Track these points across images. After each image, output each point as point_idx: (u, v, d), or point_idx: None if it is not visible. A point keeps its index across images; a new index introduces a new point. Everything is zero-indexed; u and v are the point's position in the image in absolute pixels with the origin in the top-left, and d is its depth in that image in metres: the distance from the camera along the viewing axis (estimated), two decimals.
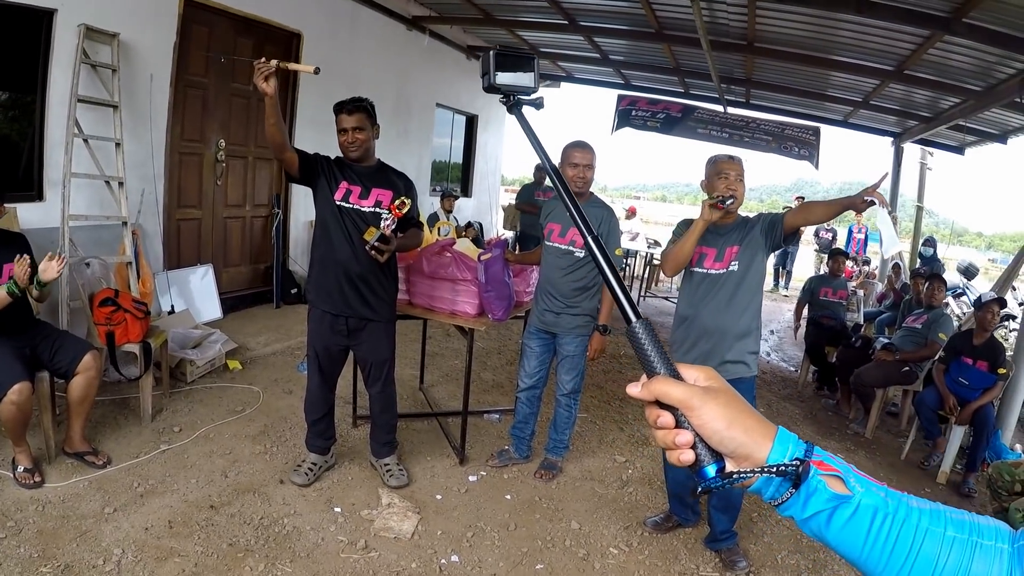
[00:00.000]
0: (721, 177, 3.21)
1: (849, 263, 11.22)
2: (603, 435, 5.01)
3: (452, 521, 3.64)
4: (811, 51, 7.89)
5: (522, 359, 4.25)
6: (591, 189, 4.02)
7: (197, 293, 6.35)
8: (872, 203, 2.83)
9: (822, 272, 10.83)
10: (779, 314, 11.67)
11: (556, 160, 3.88)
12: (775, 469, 0.74)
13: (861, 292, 9.31)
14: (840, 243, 14.45)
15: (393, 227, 3.43)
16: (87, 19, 4.99)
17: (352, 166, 3.62)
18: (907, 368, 5.69)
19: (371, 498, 3.76)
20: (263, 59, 3.09)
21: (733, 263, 3.23)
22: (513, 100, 1.10)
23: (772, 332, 10.04)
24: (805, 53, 7.96)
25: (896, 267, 10.00)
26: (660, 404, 0.79)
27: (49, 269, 3.48)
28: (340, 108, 3.52)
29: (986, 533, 0.72)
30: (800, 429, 5.54)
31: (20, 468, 3.49)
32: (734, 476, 0.75)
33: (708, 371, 0.82)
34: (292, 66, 3.20)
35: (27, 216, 4.83)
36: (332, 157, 3.66)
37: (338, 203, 3.53)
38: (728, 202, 3.10)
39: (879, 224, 2.99)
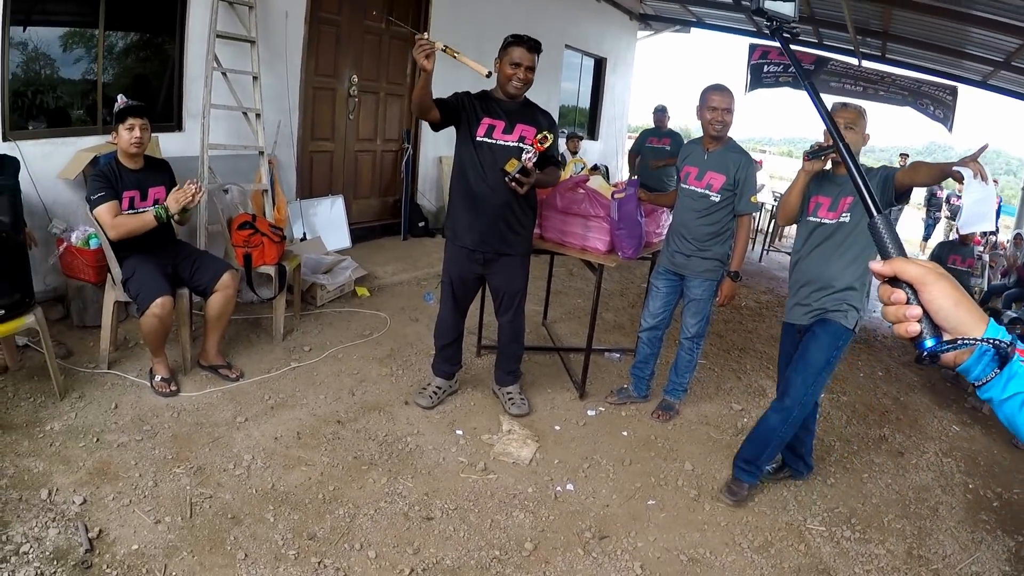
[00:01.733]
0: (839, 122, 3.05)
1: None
2: (721, 383, 4.86)
3: (569, 452, 3.62)
4: (951, 4, 7.31)
5: (647, 299, 4.15)
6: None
7: (328, 222, 6.52)
8: (961, 176, 2.63)
9: (952, 239, 10.16)
10: None
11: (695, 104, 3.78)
12: (992, 341, 0.85)
13: (987, 257, 8.66)
14: None
15: (534, 161, 3.38)
16: None
17: (500, 101, 3.57)
18: None
19: (492, 424, 3.79)
20: (426, 35, 3.10)
21: (845, 214, 3.11)
22: (776, 25, 1.25)
23: None
24: (945, 6, 7.38)
25: (1018, 237, 9.28)
26: (892, 283, 0.89)
27: (186, 197, 3.60)
28: (519, 41, 3.47)
29: None
30: (917, 397, 5.23)
31: (158, 377, 3.68)
32: (957, 342, 0.85)
33: (935, 264, 0.89)
34: (462, 58, 3.17)
35: (168, 145, 5.00)
36: (474, 93, 3.61)
37: (479, 139, 3.49)
38: (827, 151, 3.01)
39: (964, 195, 2.70)
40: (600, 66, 12.46)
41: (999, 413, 0.88)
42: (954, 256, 6.81)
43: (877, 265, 0.90)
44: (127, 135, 3.60)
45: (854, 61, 11.01)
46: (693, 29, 13.63)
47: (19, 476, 2.82)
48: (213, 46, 5.01)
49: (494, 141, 3.47)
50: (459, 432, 3.65)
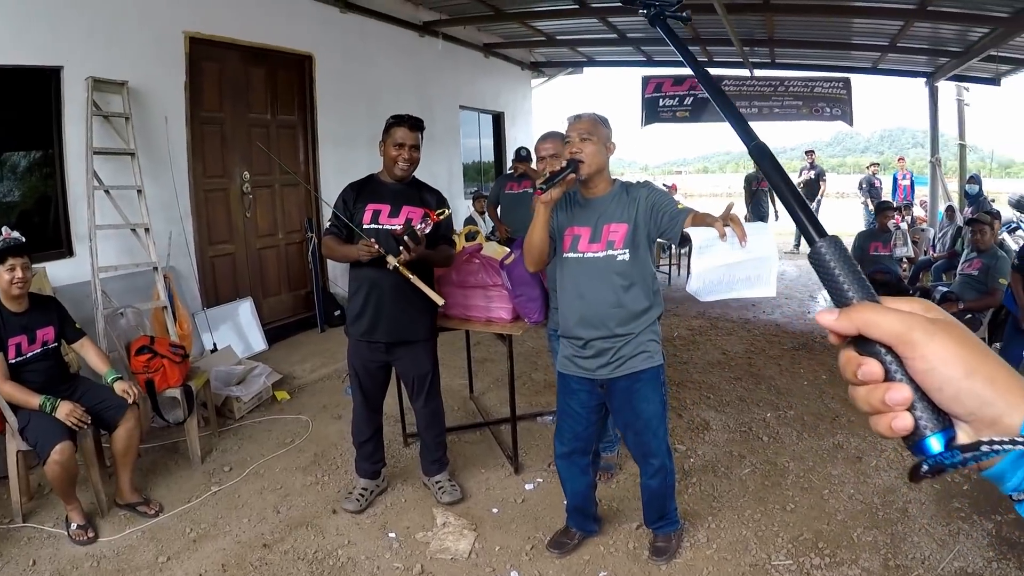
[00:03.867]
0: (566, 144, 2.79)
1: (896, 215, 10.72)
2: None
3: (510, 535, 3.49)
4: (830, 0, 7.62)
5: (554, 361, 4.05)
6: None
7: (240, 327, 6.33)
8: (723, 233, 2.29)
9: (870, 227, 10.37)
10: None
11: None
12: None
13: (904, 225, 8.84)
14: (887, 192, 14.03)
15: (428, 231, 3.30)
16: (94, 71, 5.00)
17: (384, 183, 3.55)
18: (970, 316, 5.38)
19: (426, 519, 3.63)
20: (378, 248, 3.23)
21: (621, 251, 2.74)
22: (655, 11, 1.01)
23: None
24: (824, 4, 7.73)
25: (949, 209, 9.58)
26: (859, 347, 0.58)
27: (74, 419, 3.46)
28: (401, 121, 3.45)
29: None
30: None
31: (73, 525, 3.47)
32: (980, 449, 0.52)
33: (925, 303, 0.58)
34: (416, 281, 3.26)
35: (59, 273, 4.87)
36: (354, 183, 3.59)
37: (367, 227, 3.43)
38: (562, 176, 2.59)
39: (694, 257, 2.39)
40: (499, 121, 12.62)
41: None
42: (875, 244, 6.80)
43: (829, 318, 0.59)
44: (7, 276, 3.44)
45: (746, 73, 11.36)
46: (585, 69, 13.97)
47: None
48: (91, 163, 4.87)
49: (380, 226, 3.43)
50: (392, 535, 3.49)
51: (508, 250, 4.00)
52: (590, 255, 2.79)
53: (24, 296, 3.58)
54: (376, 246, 3.21)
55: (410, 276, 3.24)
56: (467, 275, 3.96)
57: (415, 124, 3.45)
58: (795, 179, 12.98)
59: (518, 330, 3.88)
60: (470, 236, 5.32)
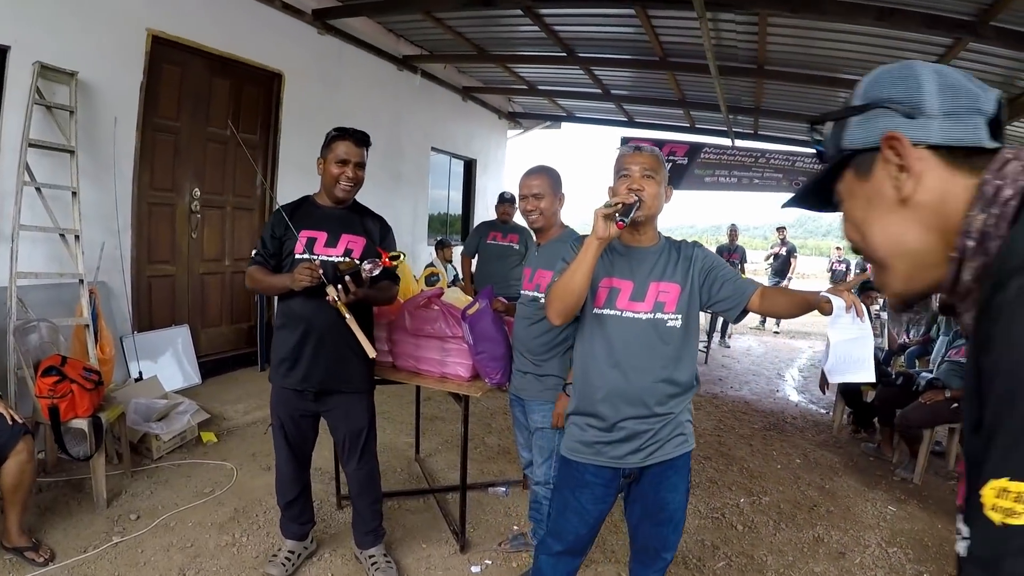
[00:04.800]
0: (622, 177, 2.34)
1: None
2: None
3: None
4: (822, 71, 7.61)
5: (514, 429, 3.60)
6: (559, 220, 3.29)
7: (172, 357, 5.78)
8: (830, 308, 2.17)
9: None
10: (799, 351, 11.14)
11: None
12: None
13: (884, 315, 8.62)
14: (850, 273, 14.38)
15: (375, 273, 2.88)
16: (43, 56, 4.57)
17: (321, 207, 3.11)
18: (956, 405, 5.13)
19: None
20: (318, 268, 2.82)
21: (672, 316, 2.32)
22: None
23: (800, 371, 9.51)
24: (817, 74, 7.69)
25: None
26: None
27: None
28: (345, 135, 3.01)
29: None
30: (843, 481, 4.98)
31: None
32: None
33: None
34: (351, 323, 2.82)
35: None
36: (286, 207, 3.13)
37: (299, 256, 2.98)
38: (634, 211, 2.15)
39: (830, 332, 2.19)
40: (470, 168, 12.36)
41: None
42: None
43: None
44: None
45: (727, 141, 11.29)
46: (564, 124, 13.81)
47: None
48: (25, 156, 4.42)
49: (316, 257, 2.98)
50: None
51: (471, 299, 3.55)
52: (630, 315, 2.30)
53: None
54: (320, 270, 2.78)
55: (347, 315, 2.79)
56: (423, 322, 3.49)
57: (361, 139, 3.04)
58: (766, 255, 12.97)
59: (477, 391, 3.39)
60: (430, 280, 4.78)
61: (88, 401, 3.76)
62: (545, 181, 3.16)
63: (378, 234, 3.13)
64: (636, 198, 2.16)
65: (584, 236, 2.33)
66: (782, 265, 12.85)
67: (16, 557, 3.21)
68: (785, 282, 12.41)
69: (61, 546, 3.36)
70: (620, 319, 2.30)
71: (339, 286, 2.77)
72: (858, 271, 13.94)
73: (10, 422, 3.20)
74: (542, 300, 2.90)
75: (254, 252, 3.13)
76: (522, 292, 3.27)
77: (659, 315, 2.29)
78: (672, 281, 2.33)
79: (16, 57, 4.52)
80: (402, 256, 3.02)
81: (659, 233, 2.45)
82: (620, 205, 2.10)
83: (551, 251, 3.03)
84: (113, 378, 4.82)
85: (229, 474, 4.37)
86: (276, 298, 3.16)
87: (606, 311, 2.32)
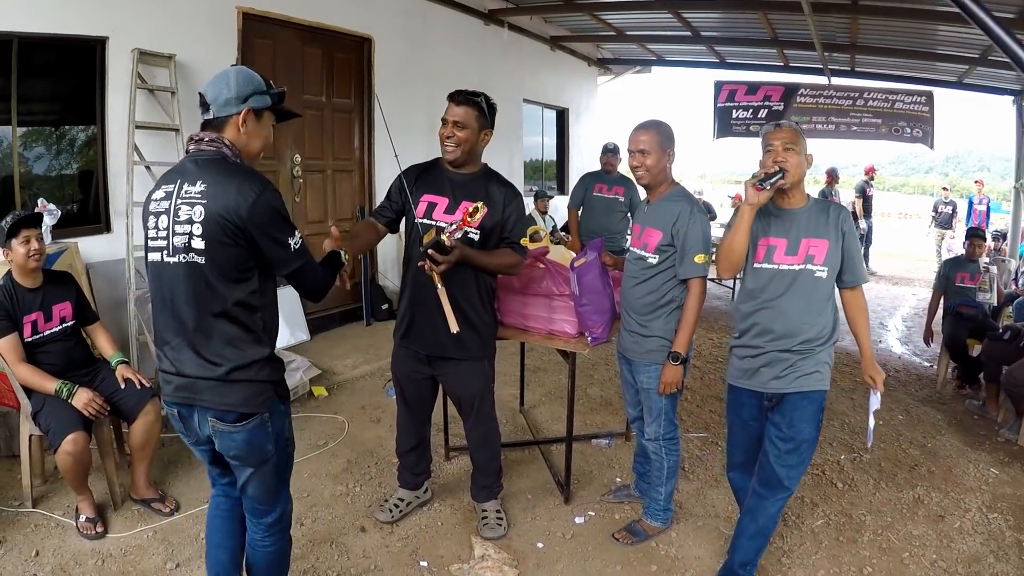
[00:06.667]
0: (768, 152, 2.64)
1: (989, 241, 9.78)
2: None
3: None
4: (916, 3, 7.05)
5: (622, 385, 3.59)
6: (669, 178, 3.17)
7: (282, 315, 5.98)
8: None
9: (944, 252, 9.53)
10: (902, 299, 10.53)
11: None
12: None
13: (994, 268, 8.12)
14: (960, 217, 13.34)
15: (458, 237, 2.74)
16: (140, 43, 4.80)
17: (445, 172, 3.06)
18: None
19: (462, 548, 3.24)
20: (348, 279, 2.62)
21: (820, 267, 2.66)
22: None
23: (903, 321, 9.03)
24: (911, 7, 7.12)
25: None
26: None
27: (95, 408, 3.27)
28: (450, 97, 2.98)
29: None
30: (945, 440, 4.74)
31: (82, 517, 3.25)
32: None
33: None
34: (441, 294, 2.71)
35: (94, 249, 4.69)
36: (413, 168, 3.13)
37: (419, 220, 2.98)
38: (775, 178, 2.54)
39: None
40: (563, 117, 12.19)
41: None
42: (962, 274, 6.19)
43: None
44: (23, 249, 3.23)
45: (823, 80, 10.81)
46: (654, 68, 13.46)
47: None
48: (132, 137, 4.66)
49: (433, 222, 2.93)
50: (424, 563, 3.10)
51: (576, 254, 3.52)
52: (785, 267, 2.69)
53: (39, 272, 3.37)
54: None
55: (439, 286, 2.69)
56: (530, 281, 3.50)
57: (463, 99, 2.93)
58: (852, 198, 12.26)
59: (584, 347, 3.39)
60: (533, 237, 4.71)
61: None
62: (653, 137, 3.04)
63: (503, 202, 3.01)
64: (778, 168, 2.55)
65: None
66: (946, 220, 12.75)
67: (144, 508, 3.47)
68: (951, 233, 12.53)
69: (184, 497, 3.59)
70: (777, 272, 2.69)
71: (423, 257, 2.67)
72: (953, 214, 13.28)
73: (138, 386, 3.44)
74: (649, 259, 3.05)
75: (378, 206, 3.19)
76: (629, 249, 3.23)
77: (808, 266, 2.65)
78: (821, 238, 2.65)
79: (115, 45, 4.76)
80: (481, 209, 2.80)
81: (808, 195, 2.76)
82: (763, 174, 2.56)
83: (660, 210, 3.06)
84: None
85: (341, 427, 4.56)
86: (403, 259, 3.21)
87: (764, 265, 2.72)
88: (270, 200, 2.07)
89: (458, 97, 2.94)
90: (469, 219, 2.77)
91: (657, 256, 3.03)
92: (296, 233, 2.16)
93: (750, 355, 2.80)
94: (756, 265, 2.73)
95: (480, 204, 2.78)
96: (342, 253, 2.48)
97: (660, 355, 3.08)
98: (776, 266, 2.69)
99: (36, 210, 3.67)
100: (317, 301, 2.46)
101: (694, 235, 2.96)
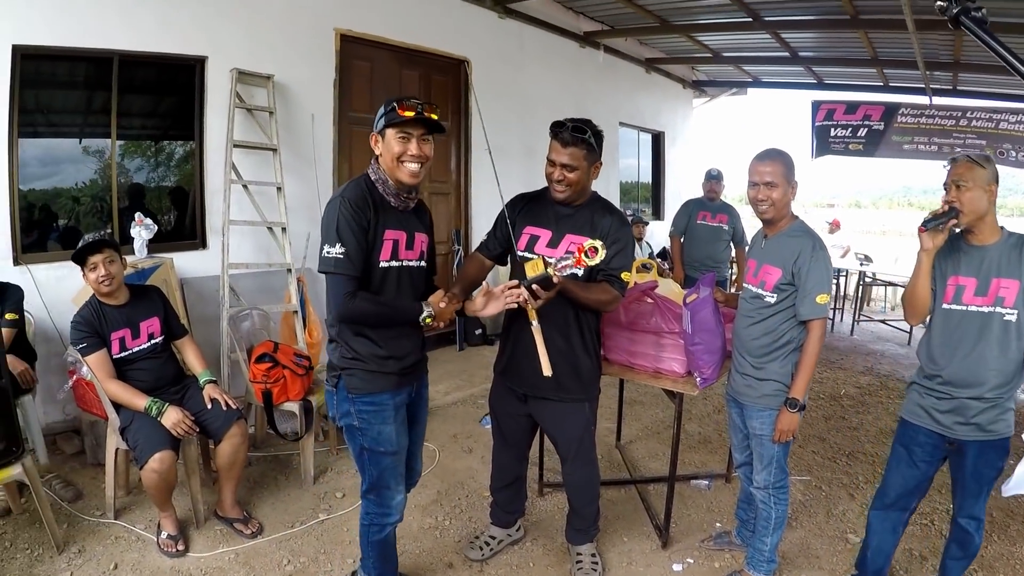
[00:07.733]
0: (949, 188, 2.54)
1: None
2: (831, 505, 3.92)
3: None
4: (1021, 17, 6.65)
5: (729, 429, 3.33)
6: (790, 212, 2.92)
7: None
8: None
9: None
10: None
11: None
12: None
13: None
14: None
15: (567, 275, 2.45)
16: (239, 63, 4.90)
17: (551, 203, 2.85)
18: None
19: None
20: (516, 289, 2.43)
21: (1010, 311, 2.50)
22: (958, 9, 1.16)
23: None
24: (1015, 21, 6.75)
25: None
26: None
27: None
28: (555, 132, 2.72)
29: None
30: None
31: (164, 534, 3.26)
32: None
33: None
34: (536, 332, 2.47)
35: (191, 265, 4.77)
36: (524, 197, 2.96)
37: (520, 253, 2.79)
38: (943, 220, 2.46)
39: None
40: (658, 140, 12.01)
41: None
42: None
43: None
44: (92, 276, 3.26)
45: (925, 100, 10.32)
46: (750, 90, 13.20)
47: None
48: (230, 156, 4.72)
49: (534, 255, 2.69)
50: None
51: (682, 286, 3.27)
52: (975, 308, 2.56)
53: (120, 290, 3.37)
54: (519, 296, 2.43)
55: (534, 322, 2.45)
56: (637, 316, 3.29)
57: (571, 137, 2.66)
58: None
59: (692, 388, 3.14)
60: (644, 267, 4.35)
61: (299, 385, 3.90)
62: (779, 168, 2.80)
63: (609, 233, 2.76)
64: (948, 207, 2.47)
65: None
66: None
67: (227, 528, 3.41)
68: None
69: (269, 520, 3.52)
70: (965, 312, 2.58)
71: (526, 292, 2.44)
72: None
73: (224, 407, 3.37)
74: (767, 298, 2.84)
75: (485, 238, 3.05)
76: (745, 286, 2.99)
77: (998, 309, 2.51)
78: (1012, 278, 2.49)
79: (214, 66, 4.87)
80: (600, 250, 2.46)
81: (1002, 228, 2.58)
82: (931, 215, 2.50)
83: (780, 246, 2.84)
84: (320, 360, 5.01)
85: (432, 455, 4.41)
86: None
87: (953, 306, 2.61)
88: (329, 206, 2.39)
89: (564, 135, 2.69)
90: (585, 259, 2.45)
91: (775, 295, 2.81)
92: (338, 245, 2.30)
93: (934, 396, 2.69)
94: (945, 306, 2.63)
95: (600, 245, 2.45)
96: (425, 313, 2.43)
97: (775, 400, 2.83)
98: (965, 307, 2.57)
99: (133, 224, 3.71)
100: (335, 320, 2.50)
101: (816, 274, 2.74)
